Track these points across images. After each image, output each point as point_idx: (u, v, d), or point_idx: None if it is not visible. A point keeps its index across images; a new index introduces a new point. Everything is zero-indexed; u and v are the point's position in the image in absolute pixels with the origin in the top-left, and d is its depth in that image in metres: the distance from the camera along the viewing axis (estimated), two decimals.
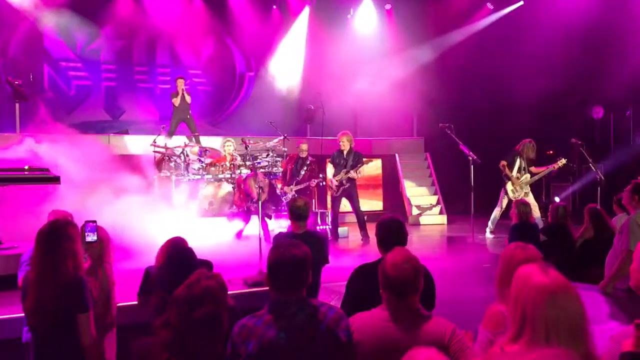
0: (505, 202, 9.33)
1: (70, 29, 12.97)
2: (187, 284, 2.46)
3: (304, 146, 9.84)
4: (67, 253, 3.11)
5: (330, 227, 9.65)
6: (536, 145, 9.38)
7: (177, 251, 3.64)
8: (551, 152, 11.08)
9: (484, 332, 2.74)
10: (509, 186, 9.26)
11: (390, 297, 2.65)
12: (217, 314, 2.39)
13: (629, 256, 3.67)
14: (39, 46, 12.94)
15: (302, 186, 9.52)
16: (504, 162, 9.30)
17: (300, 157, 9.82)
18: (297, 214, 4.71)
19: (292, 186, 9.56)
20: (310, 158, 9.82)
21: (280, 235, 5.06)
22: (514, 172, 9.25)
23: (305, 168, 9.68)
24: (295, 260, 2.61)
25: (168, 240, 3.67)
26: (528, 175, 9.33)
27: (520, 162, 9.30)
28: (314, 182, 9.51)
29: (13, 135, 10.29)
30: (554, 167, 9.26)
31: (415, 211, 12.39)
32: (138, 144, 11.12)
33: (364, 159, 9.55)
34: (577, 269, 5.40)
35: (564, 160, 9.16)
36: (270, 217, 9.04)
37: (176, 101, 11.31)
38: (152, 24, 13.60)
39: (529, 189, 9.34)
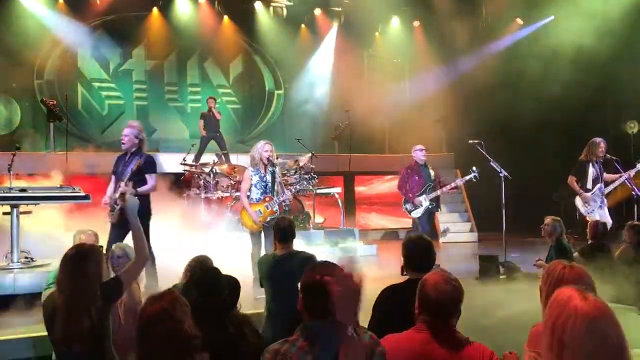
0: (596, 216, 7.52)
1: (104, 50, 13.29)
2: (141, 313, 2.46)
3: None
4: (93, 277, 3.11)
5: None
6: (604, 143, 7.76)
7: (201, 271, 3.60)
8: None
9: (528, 351, 2.64)
10: (578, 202, 7.80)
11: (430, 318, 2.57)
12: (175, 330, 2.38)
13: None
14: (73, 67, 13.27)
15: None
16: (573, 178, 7.77)
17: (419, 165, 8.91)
18: (282, 234, 4.50)
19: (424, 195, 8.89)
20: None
21: (264, 258, 4.83)
22: (589, 184, 7.74)
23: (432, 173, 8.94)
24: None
25: (193, 259, 3.65)
26: (602, 185, 7.78)
27: (594, 170, 7.72)
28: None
29: (47, 154, 10.53)
30: (630, 173, 7.60)
31: (445, 228, 12.21)
32: (168, 162, 11.26)
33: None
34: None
35: None
36: None
37: (201, 124, 11.77)
38: (182, 44, 13.88)
39: (605, 201, 7.76)
